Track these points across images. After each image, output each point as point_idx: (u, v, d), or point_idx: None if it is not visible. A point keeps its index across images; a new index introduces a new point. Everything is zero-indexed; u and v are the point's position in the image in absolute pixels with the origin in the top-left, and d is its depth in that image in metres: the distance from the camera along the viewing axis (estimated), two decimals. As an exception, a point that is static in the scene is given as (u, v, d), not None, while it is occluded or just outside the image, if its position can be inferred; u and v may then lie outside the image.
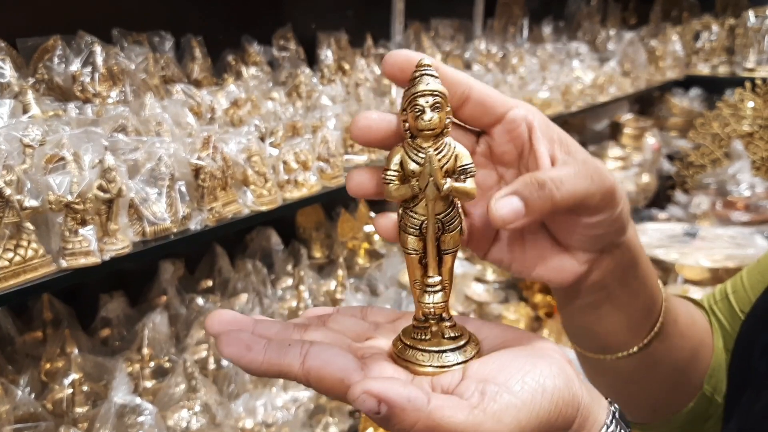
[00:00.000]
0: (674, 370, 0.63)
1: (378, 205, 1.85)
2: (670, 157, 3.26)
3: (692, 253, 2.10)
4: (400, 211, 0.42)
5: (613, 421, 0.41)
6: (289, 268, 1.59)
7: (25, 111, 0.98)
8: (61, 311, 1.18)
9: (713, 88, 3.27)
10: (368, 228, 1.84)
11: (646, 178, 3.02)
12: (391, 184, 0.41)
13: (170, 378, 1.16)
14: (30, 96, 0.99)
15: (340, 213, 1.79)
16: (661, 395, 0.66)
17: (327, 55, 1.68)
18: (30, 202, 0.82)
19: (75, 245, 0.86)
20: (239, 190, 1.16)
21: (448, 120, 0.40)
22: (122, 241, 0.93)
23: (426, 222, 0.41)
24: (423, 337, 0.42)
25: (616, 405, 0.42)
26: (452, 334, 0.42)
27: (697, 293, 1.96)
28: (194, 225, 1.04)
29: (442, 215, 0.41)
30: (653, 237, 2.28)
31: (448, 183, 0.40)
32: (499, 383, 0.37)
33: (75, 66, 1.11)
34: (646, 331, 0.58)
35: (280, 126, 1.30)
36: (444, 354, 0.41)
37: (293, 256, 1.62)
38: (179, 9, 1.45)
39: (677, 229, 2.38)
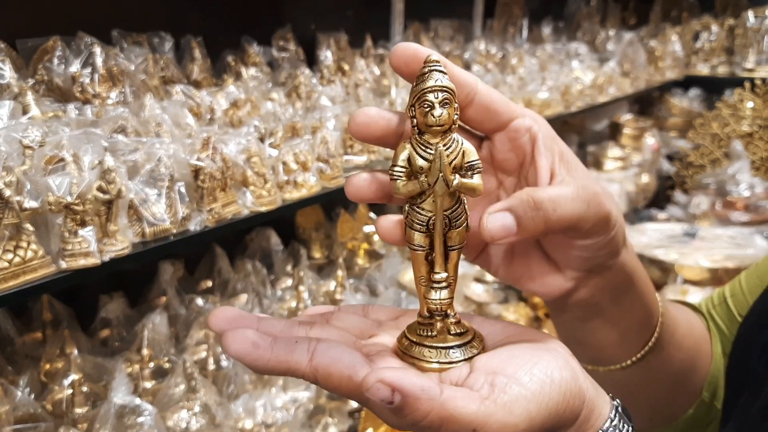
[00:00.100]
0: (672, 380, 0.63)
1: (377, 205, 1.85)
2: (670, 158, 3.26)
3: (692, 254, 2.10)
4: (407, 208, 0.42)
5: (617, 415, 0.41)
6: (289, 268, 1.60)
7: (24, 112, 0.98)
8: (61, 312, 1.18)
9: (713, 88, 3.28)
10: (368, 228, 1.84)
11: (645, 178, 3.02)
12: (398, 181, 0.41)
13: (170, 378, 1.16)
14: (30, 97, 0.99)
15: (340, 213, 1.79)
16: (659, 404, 0.65)
17: (326, 55, 1.68)
18: (29, 203, 0.82)
19: (75, 246, 0.86)
20: (239, 191, 1.16)
21: (456, 116, 0.41)
22: (122, 242, 0.93)
23: (433, 218, 0.41)
24: (429, 333, 0.42)
25: (618, 400, 0.42)
26: (458, 331, 0.42)
27: (696, 293, 1.96)
28: (194, 226, 1.04)
29: (450, 211, 0.41)
30: (653, 237, 2.28)
31: (457, 179, 0.40)
32: (508, 375, 0.37)
33: (74, 67, 1.11)
34: (640, 345, 0.57)
35: (280, 127, 1.30)
36: (450, 350, 0.41)
37: (293, 256, 1.62)
38: (179, 10, 1.45)
39: (677, 229, 2.38)
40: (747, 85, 3.06)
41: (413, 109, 0.40)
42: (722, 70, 3.32)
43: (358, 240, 1.83)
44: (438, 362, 0.40)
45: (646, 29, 3.33)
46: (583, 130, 3.17)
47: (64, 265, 0.86)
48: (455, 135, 0.41)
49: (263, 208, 1.17)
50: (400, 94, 1.64)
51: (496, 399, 0.36)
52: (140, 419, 1.03)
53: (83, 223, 0.87)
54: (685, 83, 3.34)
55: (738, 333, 0.66)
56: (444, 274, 0.42)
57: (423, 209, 0.41)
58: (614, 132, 3.20)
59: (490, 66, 2.17)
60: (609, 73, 2.59)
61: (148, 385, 1.19)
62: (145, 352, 1.19)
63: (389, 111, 0.43)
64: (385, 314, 0.48)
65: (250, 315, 0.42)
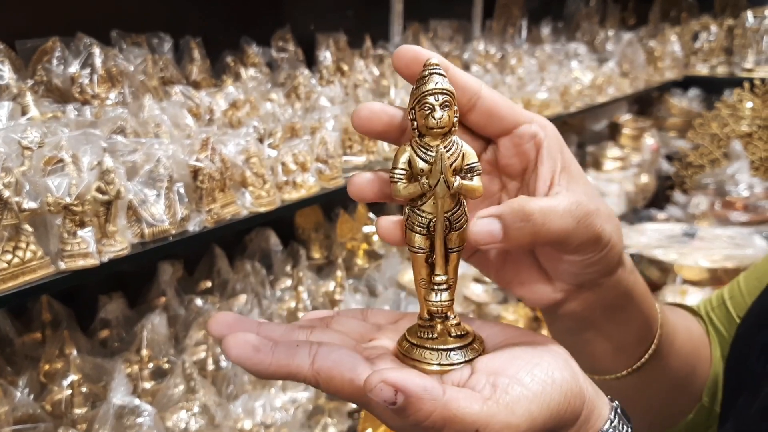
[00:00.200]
0: (670, 387, 0.62)
1: (377, 206, 1.85)
2: (669, 158, 3.27)
3: (691, 254, 2.10)
4: (407, 210, 0.42)
5: (616, 416, 0.41)
6: (288, 269, 1.60)
7: (23, 113, 0.98)
8: (60, 313, 1.18)
9: (712, 88, 3.28)
10: (367, 229, 1.84)
11: (644, 178, 3.02)
12: (399, 183, 0.41)
13: (169, 379, 1.16)
14: (29, 98, 0.99)
15: (339, 214, 1.79)
16: (657, 410, 0.65)
17: (326, 56, 1.68)
18: (28, 204, 0.82)
19: (74, 247, 0.86)
20: (238, 192, 1.16)
21: (456, 118, 0.41)
22: (121, 242, 0.93)
23: (434, 220, 0.41)
24: (430, 335, 0.42)
25: (617, 401, 0.43)
26: (458, 333, 0.42)
27: (695, 293, 1.96)
28: (193, 226, 1.04)
29: (450, 213, 0.41)
30: (652, 237, 2.28)
31: (458, 180, 0.40)
32: (510, 376, 0.37)
33: (74, 68, 1.11)
34: (636, 357, 0.56)
35: (279, 127, 1.30)
36: (451, 352, 0.41)
37: (292, 257, 1.62)
38: (178, 10, 1.46)
39: (676, 229, 2.38)
40: (746, 85, 3.06)
41: (413, 111, 0.41)
42: (721, 71, 3.33)
43: (357, 240, 1.83)
44: (439, 364, 0.40)
45: (645, 29, 3.33)
46: (583, 130, 3.18)
47: (63, 265, 0.86)
48: (455, 137, 0.41)
49: (262, 209, 1.17)
50: (399, 94, 1.64)
51: (499, 399, 0.36)
52: (139, 420, 1.03)
53: (82, 224, 0.87)
54: (685, 83, 3.34)
55: (736, 333, 0.65)
56: (444, 277, 0.43)
57: (423, 211, 0.41)
58: (613, 132, 3.20)
59: (489, 66, 2.17)
60: (608, 74, 2.59)
61: (148, 385, 1.19)
62: (144, 352, 1.19)
63: (392, 106, 0.43)
64: (385, 318, 0.48)
65: (250, 320, 0.42)
